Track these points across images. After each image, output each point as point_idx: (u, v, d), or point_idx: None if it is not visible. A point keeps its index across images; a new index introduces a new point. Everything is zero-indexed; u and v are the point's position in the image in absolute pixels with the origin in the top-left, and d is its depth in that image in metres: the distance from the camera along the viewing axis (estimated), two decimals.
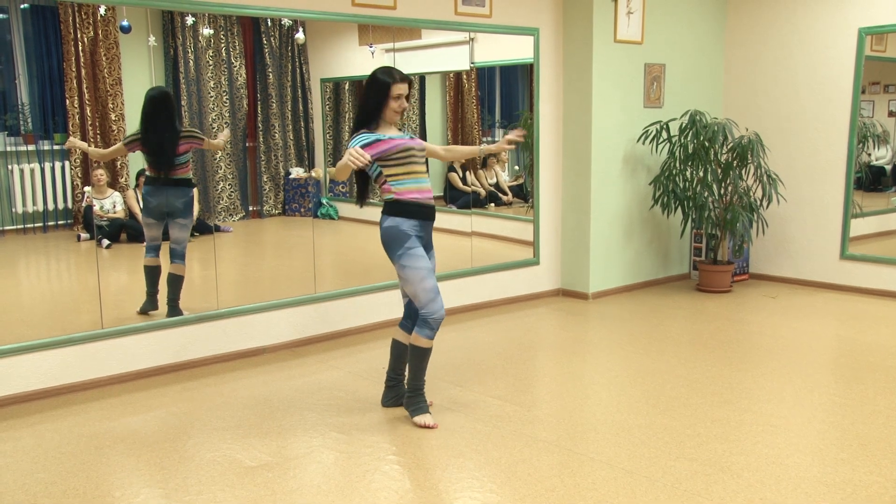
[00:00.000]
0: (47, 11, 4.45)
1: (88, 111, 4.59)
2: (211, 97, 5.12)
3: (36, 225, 4.56)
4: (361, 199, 3.69)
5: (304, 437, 3.46)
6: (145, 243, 4.56)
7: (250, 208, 5.52)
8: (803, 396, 3.91)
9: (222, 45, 5.13)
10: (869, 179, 6.40)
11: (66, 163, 4.62)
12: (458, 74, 6.16)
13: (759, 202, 6.10)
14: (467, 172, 6.33)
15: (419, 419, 3.55)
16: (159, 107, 4.43)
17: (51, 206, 4.59)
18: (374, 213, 3.67)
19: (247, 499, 2.90)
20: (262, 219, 5.62)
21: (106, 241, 4.78)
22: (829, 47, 6.09)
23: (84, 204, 4.68)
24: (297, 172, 5.71)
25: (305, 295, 4.92)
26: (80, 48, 4.52)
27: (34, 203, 4.53)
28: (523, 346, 4.95)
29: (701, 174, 6.07)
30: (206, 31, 5.00)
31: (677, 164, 6.06)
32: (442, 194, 6.31)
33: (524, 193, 6.44)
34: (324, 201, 5.80)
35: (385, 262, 3.65)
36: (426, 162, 3.61)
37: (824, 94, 6.15)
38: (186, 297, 4.59)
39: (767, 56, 6.45)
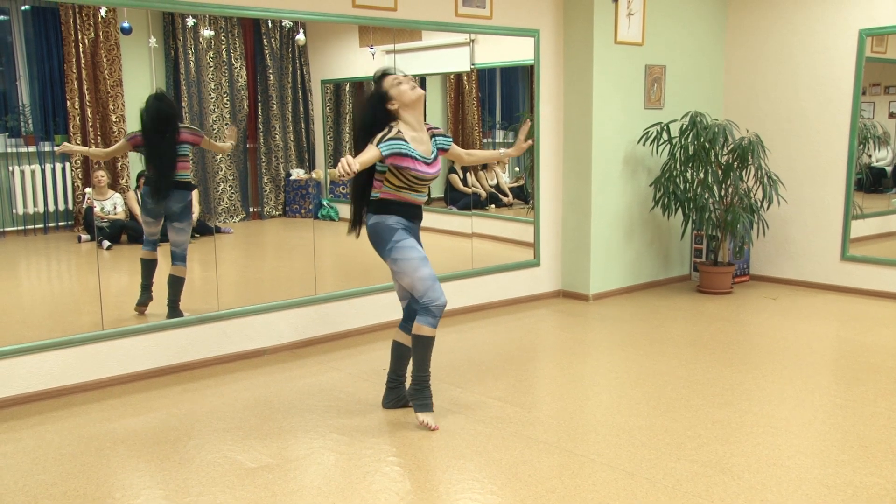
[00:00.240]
0: (48, 13, 4.45)
1: (89, 112, 4.59)
2: (212, 98, 5.12)
3: (37, 226, 4.57)
4: (354, 227, 3.61)
5: (304, 438, 3.46)
6: (144, 237, 4.58)
7: (251, 210, 5.52)
8: (804, 398, 3.91)
9: (223, 46, 5.13)
10: (869, 181, 6.39)
11: (67, 164, 4.62)
12: (458, 76, 6.16)
13: (759, 203, 6.10)
14: (468, 174, 6.33)
15: (422, 416, 3.52)
16: (161, 109, 4.44)
17: (51, 208, 4.59)
18: None
19: (247, 500, 2.90)
20: (263, 220, 5.62)
21: (106, 243, 4.78)
22: (829, 48, 6.09)
23: (85, 205, 4.68)
24: (297, 174, 5.71)
25: (306, 296, 4.92)
26: (81, 49, 4.53)
27: (35, 204, 4.53)
28: (524, 347, 4.94)
29: (701, 175, 6.07)
30: (207, 33, 5.00)
31: (678, 166, 6.06)
32: (442, 195, 6.31)
33: (525, 195, 6.44)
34: (324, 202, 5.80)
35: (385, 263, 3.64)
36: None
37: (825, 96, 6.15)
38: (187, 299, 4.59)
39: (768, 57, 6.45)
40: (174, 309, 4.54)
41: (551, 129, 6.01)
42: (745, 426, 3.53)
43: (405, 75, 3.47)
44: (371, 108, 3.47)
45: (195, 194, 5.12)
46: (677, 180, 6.07)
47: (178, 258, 4.57)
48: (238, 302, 4.70)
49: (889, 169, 6.53)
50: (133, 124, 4.62)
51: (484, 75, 6.21)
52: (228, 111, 5.22)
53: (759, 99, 6.53)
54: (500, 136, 6.53)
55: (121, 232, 4.86)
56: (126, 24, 4.48)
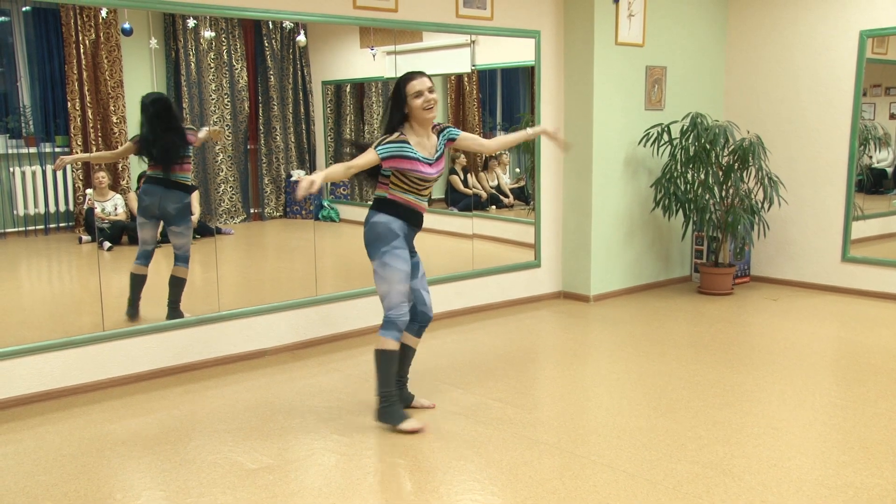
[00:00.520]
0: (49, 14, 4.46)
1: (90, 114, 4.60)
2: (212, 100, 5.12)
3: (37, 227, 4.57)
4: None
5: (305, 439, 3.46)
6: (138, 248, 4.51)
7: (251, 211, 5.52)
8: (805, 399, 3.90)
9: (224, 47, 5.13)
10: (870, 182, 6.39)
11: (68, 165, 4.62)
12: (459, 77, 6.16)
13: (760, 205, 6.10)
14: (468, 175, 6.33)
15: (404, 426, 3.49)
16: (161, 108, 4.45)
17: (52, 209, 4.59)
18: None
19: (248, 501, 2.89)
20: (264, 221, 5.62)
21: (107, 244, 4.78)
22: (830, 50, 6.09)
23: (85, 206, 4.69)
24: (298, 175, 5.71)
25: (307, 297, 4.92)
26: (82, 51, 4.53)
27: (36, 205, 4.53)
28: (524, 348, 4.94)
29: (702, 177, 6.07)
30: (208, 34, 5.00)
31: (678, 167, 6.06)
32: (443, 196, 6.31)
33: (525, 196, 6.44)
34: (325, 204, 5.80)
35: None
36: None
37: (825, 97, 6.15)
38: (188, 300, 4.59)
39: (768, 58, 6.45)
40: (174, 310, 4.54)
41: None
42: (745, 427, 3.53)
43: (430, 88, 3.40)
44: (388, 108, 3.50)
45: (195, 195, 5.12)
46: (678, 181, 6.07)
47: (181, 259, 4.57)
48: (239, 303, 4.71)
49: (890, 170, 6.53)
50: (134, 125, 4.61)
51: (485, 76, 6.21)
52: (229, 112, 5.22)
53: (760, 100, 6.53)
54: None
55: (121, 233, 4.86)
56: (127, 26, 4.49)
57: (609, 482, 3.00)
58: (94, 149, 4.63)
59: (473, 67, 5.86)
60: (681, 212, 6.14)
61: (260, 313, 4.72)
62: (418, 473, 3.14)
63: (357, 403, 3.88)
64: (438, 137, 3.54)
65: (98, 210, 4.72)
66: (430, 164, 3.46)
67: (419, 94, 3.37)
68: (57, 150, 4.57)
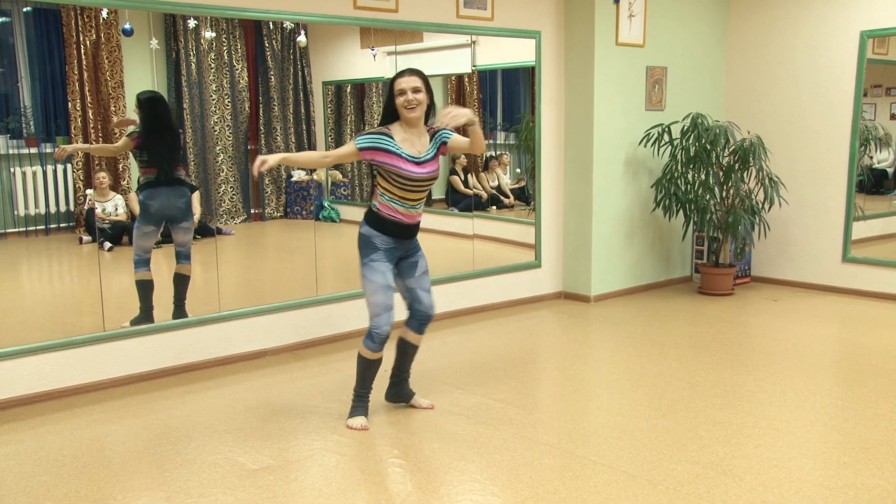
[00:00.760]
0: (49, 14, 4.46)
1: (90, 114, 4.60)
2: (213, 100, 5.13)
3: (38, 228, 4.57)
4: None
5: (305, 439, 3.46)
6: (134, 256, 4.46)
7: (252, 211, 5.52)
8: (805, 399, 3.90)
9: (224, 48, 5.13)
10: (871, 182, 6.39)
11: (69, 165, 4.62)
12: (459, 77, 6.16)
13: (760, 205, 6.10)
14: (469, 175, 6.33)
15: (351, 421, 3.57)
16: (157, 107, 4.44)
17: (53, 209, 4.59)
18: None
19: (248, 502, 2.89)
20: (264, 221, 5.62)
21: (108, 244, 4.78)
22: (830, 50, 6.09)
23: (86, 207, 4.69)
24: (298, 175, 5.71)
25: (307, 298, 4.92)
26: (83, 51, 4.53)
27: (36, 206, 4.53)
28: (525, 348, 4.94)
29: (703, 177, 6.07)
30: (208, 34, 5.00)
31: (679, 167, 6.06)
32: (444, 197, 6.31)
33: (526, 196, 6.44)
34: (325, 204, 5.80)
35: None
36: (431, 186, 3.51)
37: (826, 97, 6.15)
38: (189, 300, 4.59)
39: (769, 59, 6.45)
40: (181, 308, 4.54)
41: (552, 131, 6.01)
42: (746, 428, 3.53)
43: (414, 88, 3.37)
44: (384, 104, 3.51)
45: (196, 195, 5.12)
46: (678, 182, 6.07)
47: (184, 257, 4.56)
48: (239, 303, 4.71)
49: (890, 170, 6.53)
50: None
51: (485, 77, 6.21)
52: (230, 113, 5.22)
53: (761, 100, 6.53)
54: (501, 137, 6.53)
55: (122, 233, 4.86)
56: (127, 26, 4.49)
57: (609, 483, 3.00)
58: (95, 155, 4.63)
59: (474, 68, 5.86)
60: (681, 212, 6.14)
61: (260, 314, 4.72)
62: (419, 474, 3.14)
63: None
64: (432, 139, 3.50)
65: (99, 210, 4.73)
66: (415, 163, 3.39)
67: (402, 92, 3.37)
68: (56, 150, 4.56)
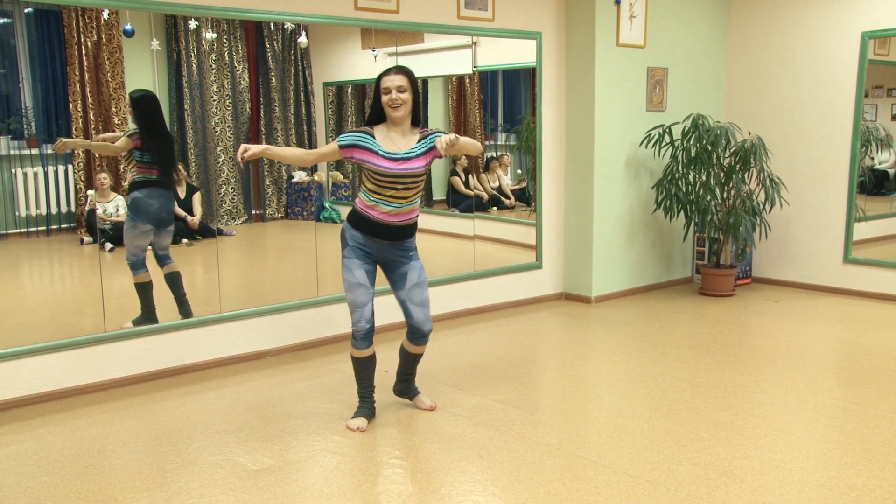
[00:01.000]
0: (51, 16, 4.46)
1: (92, 115, 4.60)
2: (214, 101, 5.13)
3: (39, 228, 4.57)
4: None
5: (306, 440, 3.46)
6: (130, 258, 4.44)
7: (253, 212, 5.53)
8: (806, 400, 3.90)
9: (225, 48, 5.14)
10: (872, 183, 6.39)
11: (70, 166, 4.63)
12: (460, 78, 6.16)
13: (761, 206, 6.10)
14: (470, 176, 6.33)
15: (349, 422, 3.59)
16: (150, 105, 4.43)
17: (54, 210, 4.59)
18: None
19: (249, 502, 2.89)
20: (265, 222, 5.62)
21: (109, 245, 4.78)
22: (831, 51, 6.09)
23: (87, 207, 4.69)
24: (299, 176, 5.72)
25: (308, 298, 4.92)
26: (84, 52, 4.53)
27: (37, 206, 4.54)
28: (526, 349, 4.94)
29: (703, 178, 6.07)
30: (209, 35, 5.01)
31: (680, 168, 6.06)
32: (444, 198, 6.31)
33: (527, 197, 6.44)
34: (326, 205, 5.80)
35: None
36: (419, 185, 3.44)
37: (827, 98, 6.14)
38: (190, 301, 4.59)
39: (770, 60, 6.45)
40: (184, 304, 4.53)
41: (553, 132, 6.01)
42: (747, 429, 3.53)
43: (399, 87, 3.35)
44: (371, 102, 3.50)
45: (198, 196, 5.13)
46: (679, 183, 6.07)
47: (168, 258, 4.55)
48: (240, 304, 4.71)
49: (891, 171, 6.52)
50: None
51: (486, 78, 6.21)
52: (231, 114, 5.22)
53: (762, 101, 6.53)
54: (501, 138, 6.53)
55: (123, 234, 4.86)
56: (128, 27, 4.49)
57: (610, 483, 3.00)
58: (96, 153, 4.62)
59: (475, 69, 5.86)
60: (682, 213, 6.14)
61: (261, 314, 4.72)
62: (419, 475, 3.14)
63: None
64: (422, 140, 3.44)
65: (99, 211, 4.73)
66: (391, 160, 3.36)
67: (387, 91, 3.37)
68: (56, 144, 4.55)
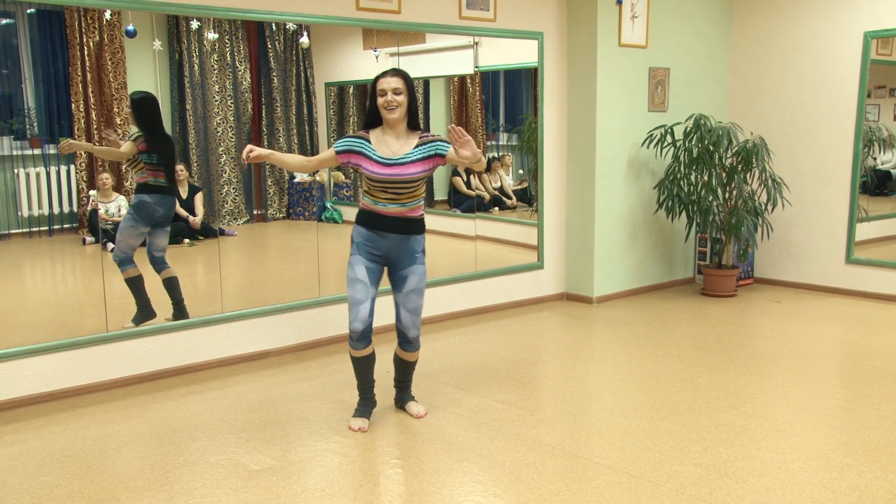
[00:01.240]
0: (53, 16, 4.47)
1: (94, 115, 4.61)
2: (216, 101, 5.13)
3: (41, 228, 4.58)
4: None
5: (308, 440, 3.46)
6: (118, 255, 4.42)
7: (255, 212, 5.53)
8: (808, 401, 3.90)
9: (227, 49, 5.14)
10: (874, 183, 6.38)
11: (72, 167, 4.63)
12: (462, 78, 6.16)
13: (763, 206, 6.09)
14: (471, 176, 6.33)
15: (350, 422, 3.60)
16: (154, 107, 4.44)
17: (56, 210, 4.60)
18: None
19: (251, 502, 2.90)
20: (267, 222, 5.63)
21: (111, 245, 4.78)
22: (834, 51, 6.08)
23: (89, 207, 4.69)
24: (301, 176, 5.72)
25: (309, 299, 4.92)
26: (86, 52, 4.54)
27: (40, 207, 4.54)
28: (527, 350, 4.94)
29: (705, 178, 6.07)
30: (211, 36, 5.01)
31: (682, 168, 6.06)
32: (446, 198, 6.31)
33: (528, 197, 6.44)
34: (328, 205, 5.80)
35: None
36: (416, 189, 3.43)
37: (830, 98, 6.14)
38: (191, 301, 4.60)
39: (772, 60, 6.44)
40: (182, 309, 4.54)
41: (555, 132, 6.01)
42: (749, 429, 3.52)
43: (395, 89, 3.35)
44: (368, 104, 3.51)
45: (200, 196, 5.13)
46: (681, 183, 6.06)
47: (164, 262, 4.54)
48: (242, 304, 4.71)
49: (894, 171, 6.51)
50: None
51: (487, 78, 6.21)
52: (232, 114, 5.23)
53: (764, 101, 6.53)
54: (503, 138, 6.53)
55: (117, 230, 4.86)
56: (131, 27, 4.50)
57: (612, 484, 3.00)
58: (101, 157, 4.63)
59: (476, 69, 5.86)
60: (684, 213, 6.13)
61: (263, 314, 4.72)
62: (421, 475, 3.14)
63: None
64: (420, 146, 3.42)
65: (102, 211, 4.73)
66: (383, 165, 3.36)
67: (382, 93, 3.37)
68: (60, 145, 4.57)
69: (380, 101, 3.38)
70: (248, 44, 5.25)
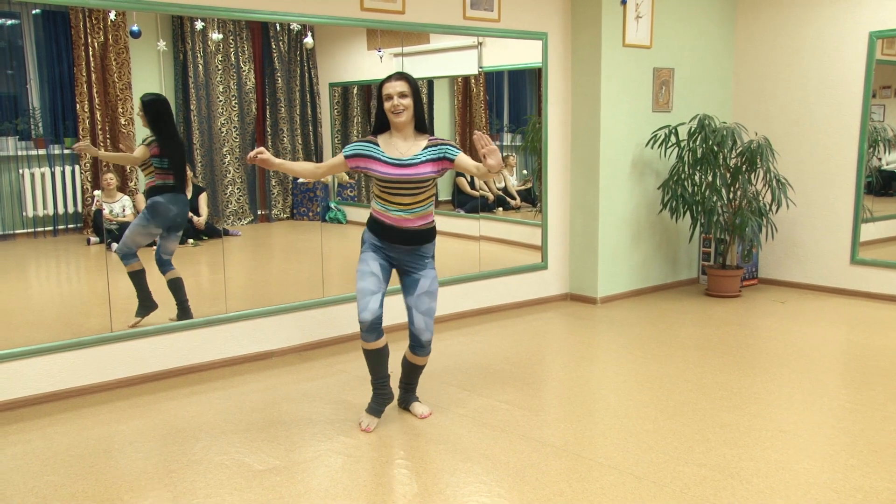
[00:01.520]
0: (58, 17, 4.48)
1: (98, 116, 4.62)
2: (220, 102, 5.14)
3: (46, 229, 4.59)
4: None
5: (311, 441, 3.46)
6: (122, 249, 4.44)
7: (259, 212, 5.54)
8: (813, 402, 3.89)
9: (231, 49, 5.15)
10: (879, 184, 6.36)
11: (77, 167, 4.65)
12: (466, 79, 6.16)
13: (768, 207, 6.08)
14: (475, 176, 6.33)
15: (361, 420, 3.62)
16: (167, 109, 4.45)
17: (61, 210, 4.61)
18: None
19: (254, 502, 2.90)
20: (271, 223, 5.63)
21: (115, 245, 4.79)
22: (839, 51, 6.07)
23: (94, 208, 4.71)
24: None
25: (314, 299, 4.93)
26: (91, 53, 4.55)
27: (45, 207, 4.56)
28: (531, 350, 4.94)
29: (710, 178, 6.06)
30: (216, 36, 5.02)
31: (686, 169, 6.05)
32: (450, 198, 6.31)
33: (532, 198, 6.44)
34: (332, 205, 5.81)
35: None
36: (426, 191, 3.44)
37: (834, 99, 6.12)
38: (195, 302, 4.61)
39: (777, 60, 6.43)
40: (186, 310, 4.55)
41: (559, 133, 6.00)
42: (753, 430, 3.52)
43: (400, 93, 3.37)
44: (376, 110, 3.52)
45: (203, 197, 5.14)
46: (685, 183, 6.06)
47: (170, 263, 4.55)
48: (246, 304, 4.72)
49: None
50: (141, 127, 4.62)
51: (492, 78, 6.21)
52: (237, 114, 5.24)
53: (768, 102, 6.51)
54: (507, 138, 6.53)
55: (127, 227, 4.87)
56: (135, 28, 4.51)
57: (616, 484, 3.00)
58: (103, 150, 4.64)
59: (480, 69, 5.86)
60: (688, 214, 6.12)
61: (267, 315, 4.73)
62: (425, 475, 3.14)
63: (364, 405, 3.88)
64: (429, 148, 3.44)
65: (106, 211, 4.74)
66: (393, 166, 3.39)
67: (388, 97, 3.40)
68: (66, 151, 4.59)
69: (386, 105, 3.40)
70: (252, 44, 5.26)
